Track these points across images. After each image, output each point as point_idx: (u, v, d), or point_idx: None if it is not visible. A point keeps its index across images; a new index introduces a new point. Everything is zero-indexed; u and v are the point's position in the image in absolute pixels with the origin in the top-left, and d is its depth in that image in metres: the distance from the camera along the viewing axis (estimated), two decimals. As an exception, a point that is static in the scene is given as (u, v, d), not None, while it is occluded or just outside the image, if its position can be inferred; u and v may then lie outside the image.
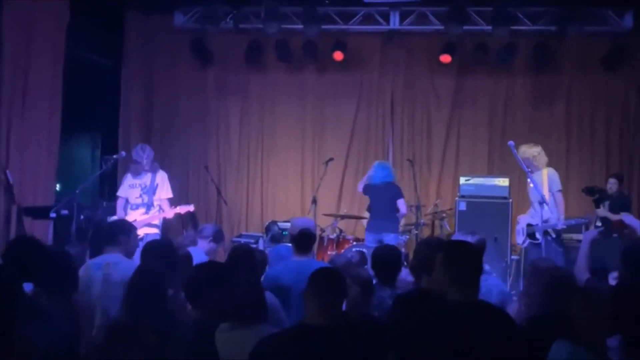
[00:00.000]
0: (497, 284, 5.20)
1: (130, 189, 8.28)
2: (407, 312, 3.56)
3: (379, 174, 9.02)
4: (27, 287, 4.53)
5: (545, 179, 8.35)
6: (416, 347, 3.30)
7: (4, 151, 8.74)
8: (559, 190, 8.35)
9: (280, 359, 3.31)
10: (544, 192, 8.08)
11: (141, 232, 8.07)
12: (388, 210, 8.83)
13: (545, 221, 8.09)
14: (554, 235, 8.15)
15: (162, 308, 3.81)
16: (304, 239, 5.59)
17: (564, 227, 8.21)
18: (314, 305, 3.44)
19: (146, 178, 8.30)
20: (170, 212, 8.30)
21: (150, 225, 8.20)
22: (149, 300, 3.83)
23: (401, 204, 8.85)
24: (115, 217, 8.33)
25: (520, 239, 8.61)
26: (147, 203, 8.22)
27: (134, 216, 8.19)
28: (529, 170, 7.68)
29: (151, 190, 8.27)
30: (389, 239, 8.46)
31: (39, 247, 4.56)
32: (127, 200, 8.30)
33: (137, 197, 8.24)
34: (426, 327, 3.35)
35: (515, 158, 7.81)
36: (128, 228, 5.41)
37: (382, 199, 8.90)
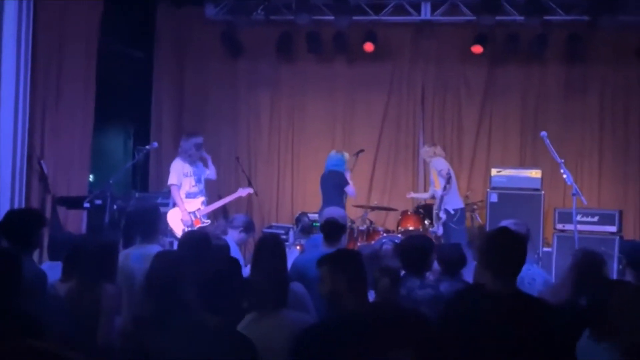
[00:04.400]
0: (540, 272, 5.16)
1: (184, 177, 8.29)
2: (457, 308, 3.54)
3: (330, 163, 9.27)
4: (55, 272, 4.62)
5: (433, 170, 9.35)
6: (458, 340, 3.28)
7: (38, 142, 8.87)
8: (441, 170, 9.02)
9: (329, 348, 3.27)
10: (435, 181, 9.26)
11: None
12: (333, 197, 8.92)
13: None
14: (444, 217, 8.89)
15: (180, 297, 3.75)
16: (330, 229, 5.60)
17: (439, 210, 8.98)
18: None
19: (195, 167, 8.35)
20: (234, 196, 8.60)
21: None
22: (165, 287, 3.81)
23: (348, 189, 9.09)
24: (174, 208, 8.34)
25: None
26: (202, 190, 8.32)
27: (196, 205, 8.23)
28: (562, 160, 7.61)
29: (203, 178, 8.38)
30: None
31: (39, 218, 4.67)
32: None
33: (193, 186, 8.27)
34: (468, 319, 3.33)
35: (547, 149, 7.74)
36: None
37: (330, 185, 9.05)
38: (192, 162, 8.27)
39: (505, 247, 3.41)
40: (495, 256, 3.39)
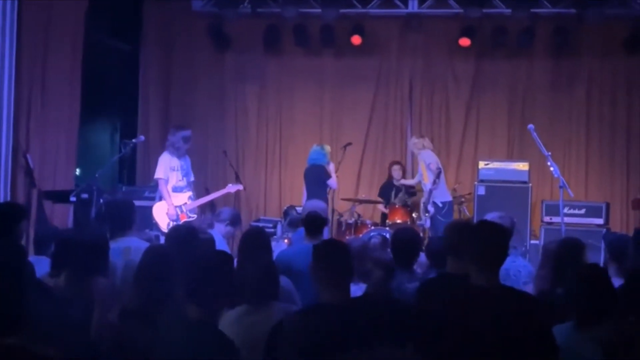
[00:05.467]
0: (525, 264, 5.19)
1: (171, 171, 8.23)
2: (431, 298, 3.53)
3: (310, 157, 9.44)
4: (40, 266, 4.57)
5: (422, 162, 9.43)
6: (440, 334, 3.27)
7: (24, 136, 8.80)
8: (430, 164, 9.13)
9: (303, 337, 3.28)
10: (424, 173, 9.36)
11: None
12: (315, 191, 9.00)
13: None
14: (432, 210, 8.98)
15: (170, 291, 3.73)
16: (311, 222, 5.60)
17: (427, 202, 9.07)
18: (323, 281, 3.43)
19: (182, 160, 8.30)
20: (222, 192, 8.58)
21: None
22: (156, 282, 3.79)
23: (330, 182, 9.19)
24: (160, 202, 8.28)
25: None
26: (188, 186, 8.27)
27: (183, 199, 8.18)
28: (550, 153, 7.62)
29: (189, 172, 8.33)
30: None
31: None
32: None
33: (179, 180, 8.22)
34: (450, 313, 3.32)
35: (535, 142, 7.76)
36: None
37: (312, 180, 9.22)
38: (179, 156, 8.23)
39: (486, 241, 3.39)
40: (476, 249, 3.38)
